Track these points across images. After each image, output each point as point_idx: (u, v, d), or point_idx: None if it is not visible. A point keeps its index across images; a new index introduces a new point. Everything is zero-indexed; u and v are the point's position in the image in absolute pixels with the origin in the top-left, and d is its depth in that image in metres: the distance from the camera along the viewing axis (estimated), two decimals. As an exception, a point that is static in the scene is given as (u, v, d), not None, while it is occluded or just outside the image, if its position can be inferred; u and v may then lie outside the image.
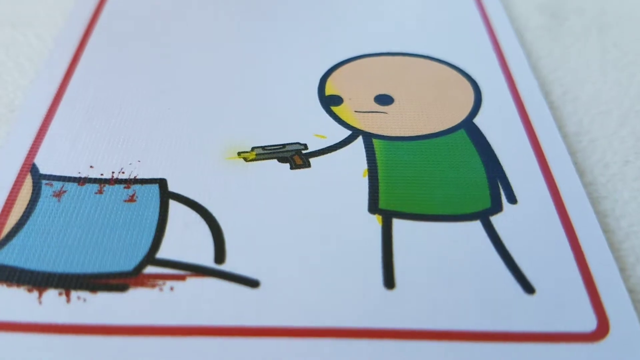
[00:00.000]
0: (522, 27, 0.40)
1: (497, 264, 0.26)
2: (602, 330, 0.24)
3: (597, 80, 0.37)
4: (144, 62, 0.36)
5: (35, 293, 0.25)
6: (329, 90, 0.34)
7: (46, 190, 0.29)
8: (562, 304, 0.25)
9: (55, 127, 0.32)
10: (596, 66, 0.38)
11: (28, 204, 0.28)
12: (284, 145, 0.31)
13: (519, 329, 0.24)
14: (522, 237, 0.27)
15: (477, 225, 0.28)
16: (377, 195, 0.29)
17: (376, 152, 0.31)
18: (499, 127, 0.32)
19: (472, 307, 0.25)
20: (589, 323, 0.25)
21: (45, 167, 0.30)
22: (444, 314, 0.25)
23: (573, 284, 0.26)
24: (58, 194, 0.28)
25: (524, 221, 0.28)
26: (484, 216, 0.28)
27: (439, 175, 0.30)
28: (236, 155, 0.30)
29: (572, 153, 0.32)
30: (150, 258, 0.26)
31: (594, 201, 0.30)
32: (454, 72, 0.36)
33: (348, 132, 0.32)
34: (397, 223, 0.28)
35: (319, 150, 0.31)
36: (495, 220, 0.28)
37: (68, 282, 0.25)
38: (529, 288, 0.26)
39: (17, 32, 0.39)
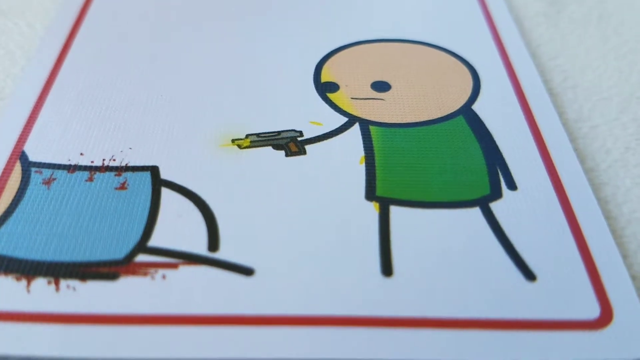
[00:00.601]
0: (520, 14, 0.40)
1: (497, 251, 0.26)
2: (605, 317, 0.24)
3: (597, 67, 0.36)
4: (136, 50, 0.35)
5: (24, 282, 0.24)
6: (325, 77, 0.34)
7: (35, 177, 0.28)
8: (564, 291, 0.25)
9: (46, 114, 0.31)
10: (596, 53, 0.37)
11: (17, 192, 0.27)
12: (279, 133, 0.30)
13: (520, 317, 0.24)
14: (523, 223, 0.27)
15: (476, 212, 0.27)
16: (374, 183, 0.28)
17: (373, 139, 0.30)
18: (498, 113, 0.32)
19: (471, 295, 0.24)
20: (592, 310, 0.24)
21: (34, 154, 0.29)
22: (443, 301, 0.24)
23: (575, 271, 0.25)
24: (47, 182, 0.28)
25: (524, 208, 0.27)
26: (484, 203, 0.27)
27: (437, 162, 0.29)
28: (230, 142, 0.30)
29: (572, 140, 0.31)
30: (141, 246, 0.26)
31: (595, 187, 0.29)
32: (452, 59, 0.35)
33: (344, 119, 0.31)
34: (394, 210, 0.27)
35: (314, 137, 0.30)
36: (495, 206, 0.27)
37: (57, 271, 0.25)
38: (530, 275, 0.25)
39: (8, 21, 0.38)
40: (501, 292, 0.24)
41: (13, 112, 0.31)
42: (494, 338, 0.23)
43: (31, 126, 0.30)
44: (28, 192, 0.27)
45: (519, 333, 0.23)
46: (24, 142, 0.30)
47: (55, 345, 0.23)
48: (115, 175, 0.28)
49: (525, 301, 0.24)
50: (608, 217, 0.28)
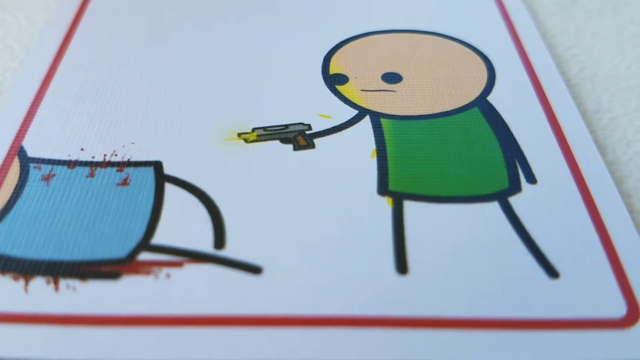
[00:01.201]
0: (534, 4, 0.39)
1: (518, 247, 0.25)
2: (632, 316, 0.23)
3: (614, 57, 0.35)
4: (138, 43, 0.34)
5: (22, 281, 0.23)
6: (334, 69, 0.33)
7: (34, 173, 0.27)
8: (588, 289, 0.23)
9: (45, 109, 0.30)
10: (613, 43, 0.36)
11: (15, 189, 0.26)
12: (286, 126, 0.29)
13: (543, 316, 0.23)
14: (544, 218, 0.26)
15: (494, 207, 0.26)
16: (387, 177, 0.27)
17: (384, 132, 0.29)
18: (514, 105, 0.31)
19: (491, 293, 0.23)
20: (618, 308, 0.23)
21: (33, 150, 0.28)
22: (461, 300, 0.23)
23: (599, 268, 0.24)
24: (47, 178, 0.27)
25: (545, 202, 0.26)
26: (502, 197, 0.26)
27: (452, 155, 0.28)
28: (236, 136, 0.29)
29: (591, 131, 0.30)
30: (144, 244, 0.25)
31: (617, 181, 0.28)
32: (466, 50, 0.34)
33: (354, 112, 0.30)
34: (408, 205, 0.26)
35: (323, 130, 0.29)
36: (514, 201, 0.26)
37: (56, 270, 0.24)
38: (552, 272, 0.24)
39: (6, 14, 0.37)
40: (522, 290, 0.23)
41: (11, 107, 0.30)
42: (516, 338, 0.22)
43: (30, 121, 0.29)
44: (26, 188, 0.26)
45: (541, 333, 0.22)
46: (23, 137, 0.29)
47: (55, 348, 0.22)
48: (117, 170, 0.27)
49: (547, 299, 0.23)
50: (631, 211, 0.27)
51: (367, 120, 0.30)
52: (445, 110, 0.30)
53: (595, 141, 0.29)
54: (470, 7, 0.38)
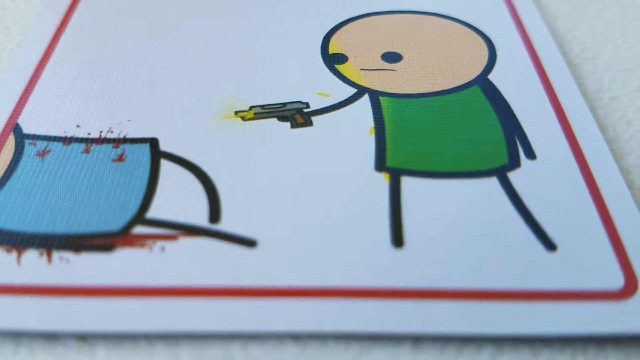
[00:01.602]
0: (536, -14, 0.38)
1: (515, 220, 0.24)
2: (630, 287, 0.22)
3: (617, 39, 0.35)
4: (136, 23, 0.34)
5: (14, 254, 0.23)
6: (333, 49, 0.32)
7: (29, 149, 0.27)
8: (586, 261, 0.23)
9: (42, 86, 0.30)
10: (615, 25, 0.36)
11: (10, 164, 0.26)
12: (284, 104, 0.29)
13: (540, 287, 0.22)
14: (542, 193, 0.25)
15: (493, 182, 0.26)
16: (385, 153, 0.27)
17: (383, 110, 0.29)
18: (515, 83, 0.30)
19: (488, 265, 0.23)
20: (616, 280, 0.23)
21: (29, 126, 0.28)
22: (457, 272, 0.23)
23: (597, 240, 0.24)
24: (42, 154, 0.27)
25: (544, 177, 0.26)
26: (501, 172, 0.26)
27: (452, 132, 0.28)
28: (233, 114, 0.28)
29: (592, 110, 0.30)
30: (139, 217, 0.24)
31: (617, 157, 0.28)
32: (466, 30, 0.34)
33: (353, 90, 0.30)
34: (406, 181, 0.26)
35: (322, 108, 0.29)
36: (513, 176, 0.26)
37: (50, 243, 0.23)
38: (550, 245, 0.23)
39: (5, -3, 0.37)
40: (520, 262, 0.23)
41: (8, 85, 0.30)
42: (513, 309, 0.22)
43: (26, 99, 0.29)
44: (21, 164, 0.26)
45: (539, 304, 0.22)
46: (19, 115, 0.28)
47: (47, 319, 0.21)
48: (113, 147, 0.27)
49: (545, 272, 0.23)
50: (631, 187, 0.26)
51: (365, 99, 0.29)
52: (445, 88, 0.30)
53: (596, 119, 0.29)
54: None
